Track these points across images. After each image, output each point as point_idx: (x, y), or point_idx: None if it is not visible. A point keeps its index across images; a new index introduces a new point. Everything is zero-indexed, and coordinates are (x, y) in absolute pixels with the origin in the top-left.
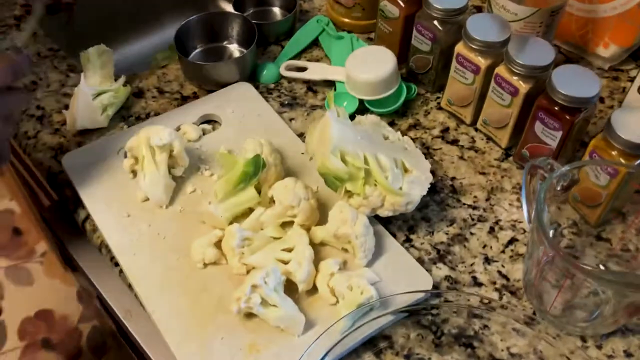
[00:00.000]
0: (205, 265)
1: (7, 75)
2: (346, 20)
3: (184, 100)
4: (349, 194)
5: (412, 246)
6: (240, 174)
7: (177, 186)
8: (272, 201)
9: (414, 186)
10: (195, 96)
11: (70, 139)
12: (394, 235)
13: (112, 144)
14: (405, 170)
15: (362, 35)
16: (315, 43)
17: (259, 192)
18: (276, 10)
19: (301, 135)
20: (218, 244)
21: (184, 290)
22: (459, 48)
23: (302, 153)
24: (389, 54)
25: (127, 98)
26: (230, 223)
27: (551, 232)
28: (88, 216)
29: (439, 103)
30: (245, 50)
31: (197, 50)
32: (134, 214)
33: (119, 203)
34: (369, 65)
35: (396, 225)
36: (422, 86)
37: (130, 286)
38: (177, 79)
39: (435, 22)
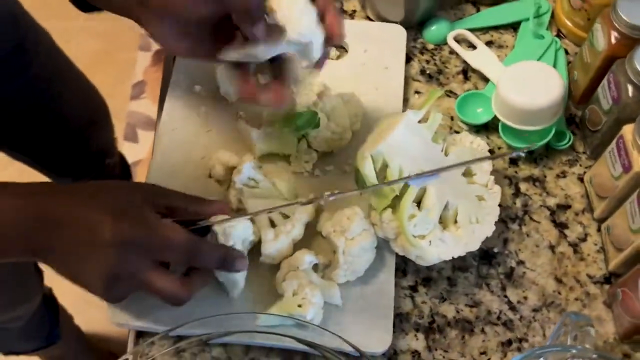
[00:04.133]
0: (211, 177)
1: (213, 260)
2: (565, 20)
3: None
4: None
5: (411, 297)
6: (286, 118)
7: None
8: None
9: (441, 245)
10: (351, 15)
11: None
12: (404, 273)
13: None
14: (454, 222)
15: (572, 46)
16: (514, 27)
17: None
18: None
19: None
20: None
21: (184, 190)
22: (626, 130)
23: None
24: (559, 84)
25: None
26: (264, 156)
27: None
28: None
29: (584, 173)
30: None
31: None
32: (202, 92)
33: (202, 71)
34: (525, 87)
35: (414, 266)
36: (583, 142)
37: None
38: None
39: (628, 84)
